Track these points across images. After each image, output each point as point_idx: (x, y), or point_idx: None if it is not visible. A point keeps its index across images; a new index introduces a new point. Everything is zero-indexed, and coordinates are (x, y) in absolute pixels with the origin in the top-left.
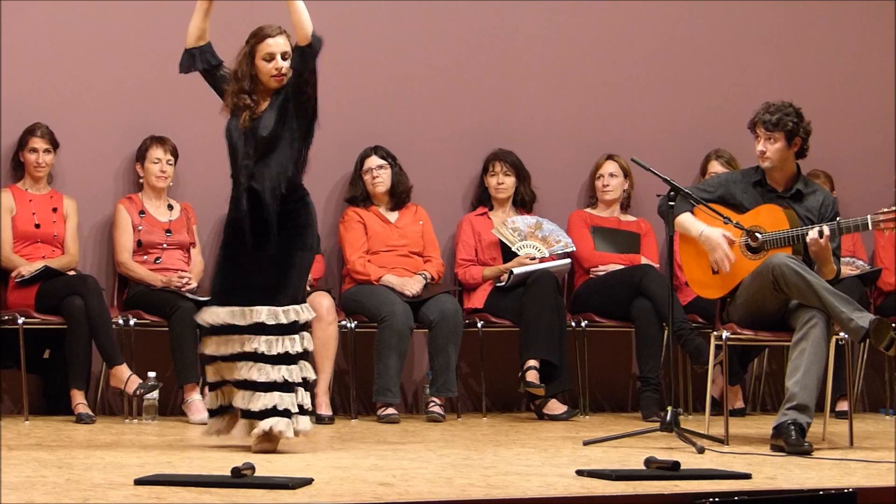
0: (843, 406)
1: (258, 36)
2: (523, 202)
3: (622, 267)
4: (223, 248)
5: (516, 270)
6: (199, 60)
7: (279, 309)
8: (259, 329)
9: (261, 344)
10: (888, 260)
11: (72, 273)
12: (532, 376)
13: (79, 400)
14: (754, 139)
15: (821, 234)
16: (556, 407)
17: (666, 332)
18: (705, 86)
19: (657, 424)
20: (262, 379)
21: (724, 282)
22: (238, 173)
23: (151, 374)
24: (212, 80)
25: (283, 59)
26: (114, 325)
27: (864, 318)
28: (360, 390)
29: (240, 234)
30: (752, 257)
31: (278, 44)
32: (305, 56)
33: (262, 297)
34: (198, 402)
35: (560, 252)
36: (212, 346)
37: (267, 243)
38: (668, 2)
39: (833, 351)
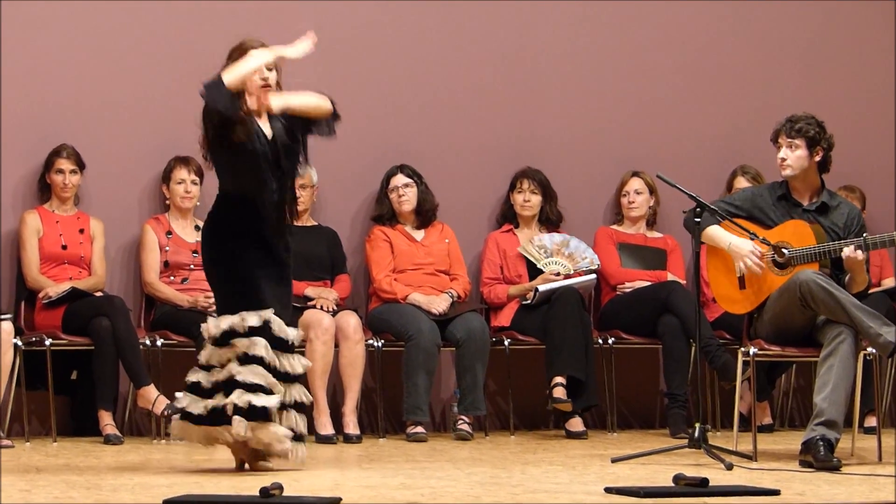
0: (872, 421)
1: (241, 49)
2: (549, 221)
3: (649, 284)
4: (258, 260)
5: (541, 287)
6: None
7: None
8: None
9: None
10: None
11: (99, 294)
12: (559, 392)
13: (106, 421)
14: (776, 150)
15: (857, 248)
16: (576, 424)
17: (693, 348)
18: (731, 102)
19: (685, 441)
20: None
21: (751, 297)
22: (265, 193)
23: (179, 395)
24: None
25: (269, 70)
26: (141, 346)
27: (892, 333)
28: (387, 409)
29: (269, 245)
30: (779, 273)
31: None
32: (332, 123)
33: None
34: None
35: (585, 268)
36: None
37: (289, 261)
38: (694, 19)
39: (861, 366)
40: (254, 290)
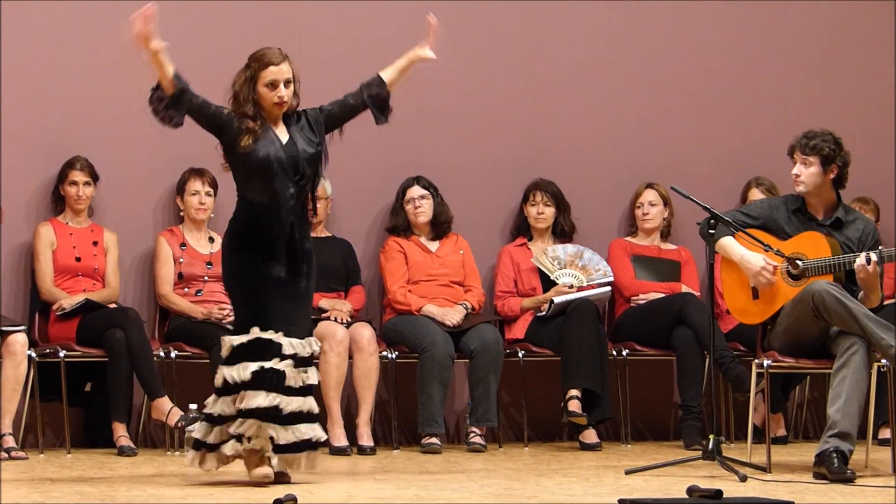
0: (886, 433)
1: (261, 62)
2: (563, 232)
3: (663, 295)
4: (266, 275)
5: (556, 299)
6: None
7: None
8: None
9: (314, 375)
10: None
11: (113, 306)
12: (574, 406)
13: (120, 432)
14: (792, 165)
15: (868, 260)
16: (590, 436)
17: (707, 360)
18: (745, 113)
19: (699, 453)
20: (315, 410)
21: (764, 308)
22: (279, 200)
23: (193, 406)
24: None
25: (286, 86)
26: (155, 358)
27: None
28: (401, 421)
29: (283, 254)
30: (793, 284)
31: (282, 71)
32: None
33: (309, 327)
34: None
35: (598, 281)
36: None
37: (310, 271)
38: (709, 30)
39: (875, 378)
40: (259, 310)
